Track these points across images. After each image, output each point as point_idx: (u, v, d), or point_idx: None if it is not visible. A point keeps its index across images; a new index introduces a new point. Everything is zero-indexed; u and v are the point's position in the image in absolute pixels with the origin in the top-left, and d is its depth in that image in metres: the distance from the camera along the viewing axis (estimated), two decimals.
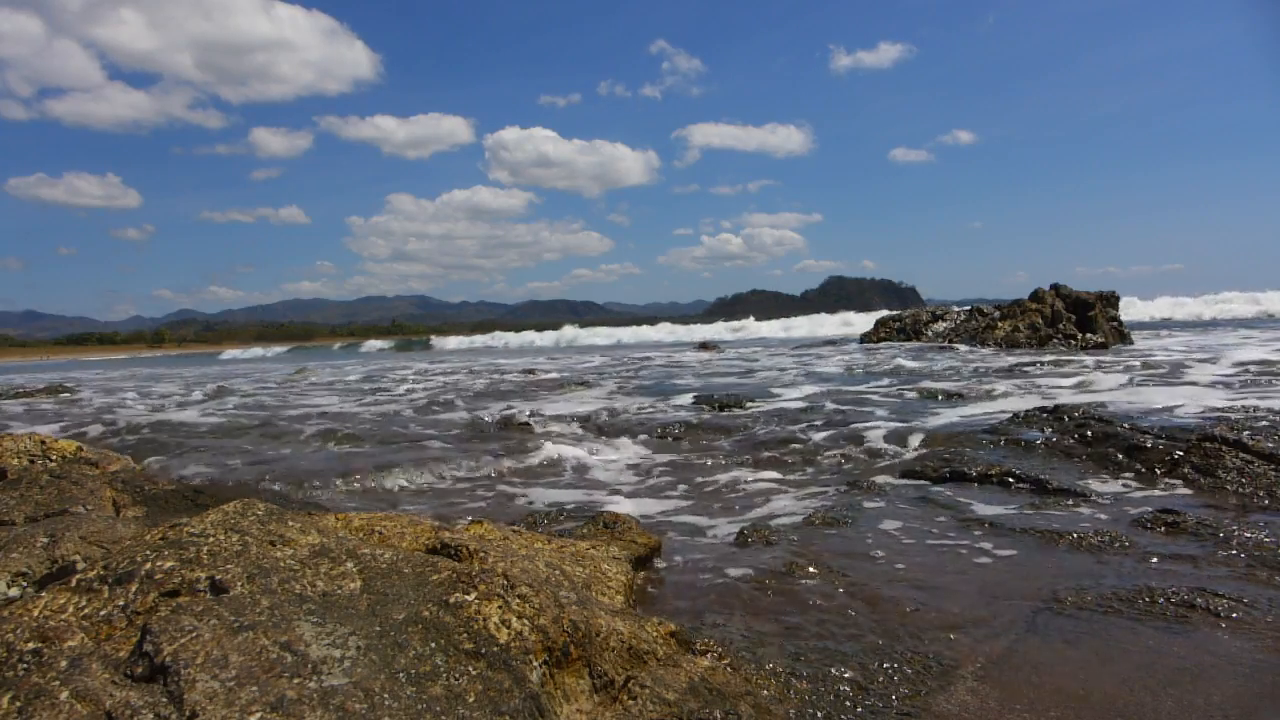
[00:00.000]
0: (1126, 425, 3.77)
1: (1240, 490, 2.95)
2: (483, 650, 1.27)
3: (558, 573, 1.81)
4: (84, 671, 1.10)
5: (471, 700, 1.16)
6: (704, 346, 19.56)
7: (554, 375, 10.55)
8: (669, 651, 1.57)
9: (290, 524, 1.58)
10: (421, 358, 23.23)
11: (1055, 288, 13.76)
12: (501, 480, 3.89)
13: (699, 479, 3.71)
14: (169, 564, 1.34)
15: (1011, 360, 10.26)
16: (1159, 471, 3.27)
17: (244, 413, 7.36)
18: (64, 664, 1.12)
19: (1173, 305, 31.08)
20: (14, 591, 1.68)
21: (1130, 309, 19.98)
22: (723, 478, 3.71)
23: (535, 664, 1.31)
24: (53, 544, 1.85)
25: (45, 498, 2.57)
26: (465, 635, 1.30)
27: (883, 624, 1.88)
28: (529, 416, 5.83)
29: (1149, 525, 2.55)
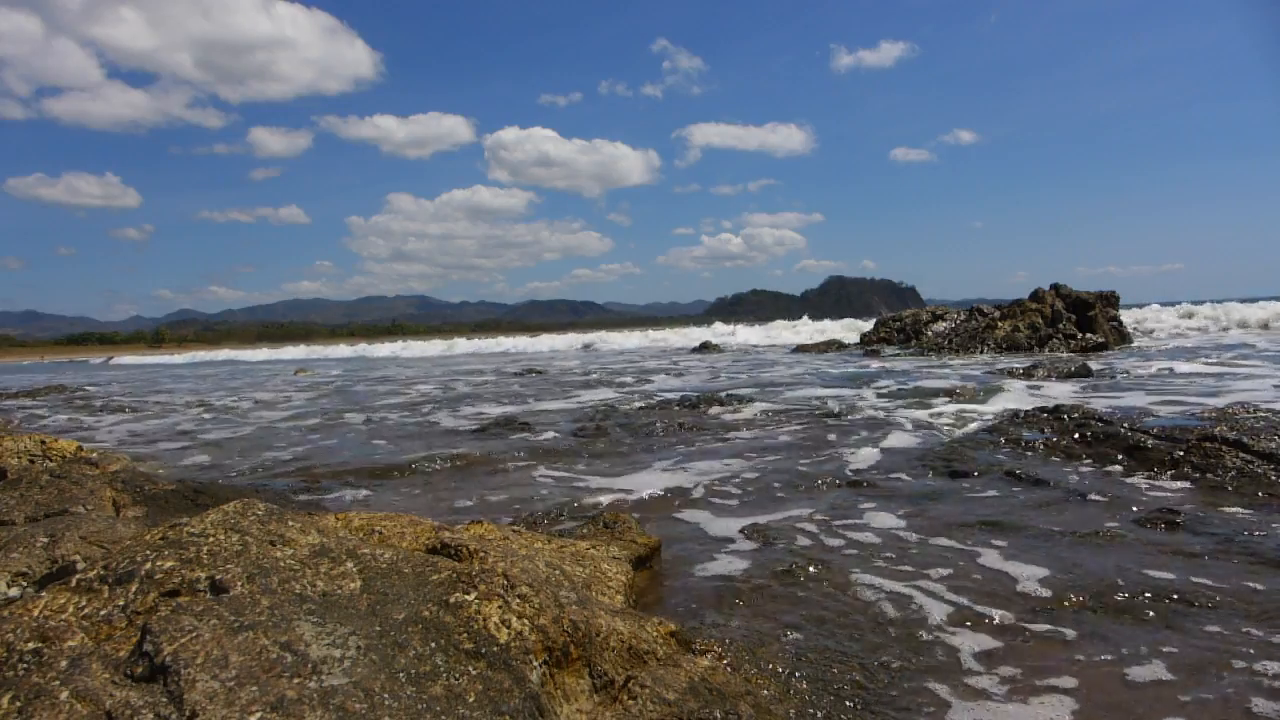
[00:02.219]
0: (1126, 425, 3.77)
1: (1240, 489, 2.95)
2: (483, 650, 1.27)
3: (558, 573, 1.81)
4: (84, 671, 1.10)
5: (471, 700, 1.16)
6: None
7: None
8: (669, 651, 1.57)
9: (290, 524, 1.58)
10: None
11: (1055, 288, 13.75)
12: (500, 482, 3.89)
13: (698, 479, 3.71)
14: (169, 564, 1.34)
15: (1010, 363, 10.27)
16: (1159, 471, 3.27)
17: None
18: (64, 664, 1.12)
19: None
20: (14, 591, 1.68)
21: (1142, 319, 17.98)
22: (721, 478, 3.70)
23: (535, 664, 1.31)
24: (53, 544, 1.85)
25: (45, 498, 2.57)
26: (465, 635, 1.30)
27: (883, 623, 1.88)
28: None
29: (1149, 524, 2.55)
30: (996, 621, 1.88)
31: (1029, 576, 2.16)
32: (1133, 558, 2.27)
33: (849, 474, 3.59)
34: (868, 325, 17.60)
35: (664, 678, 1.46)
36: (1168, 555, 2.28)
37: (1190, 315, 17.86)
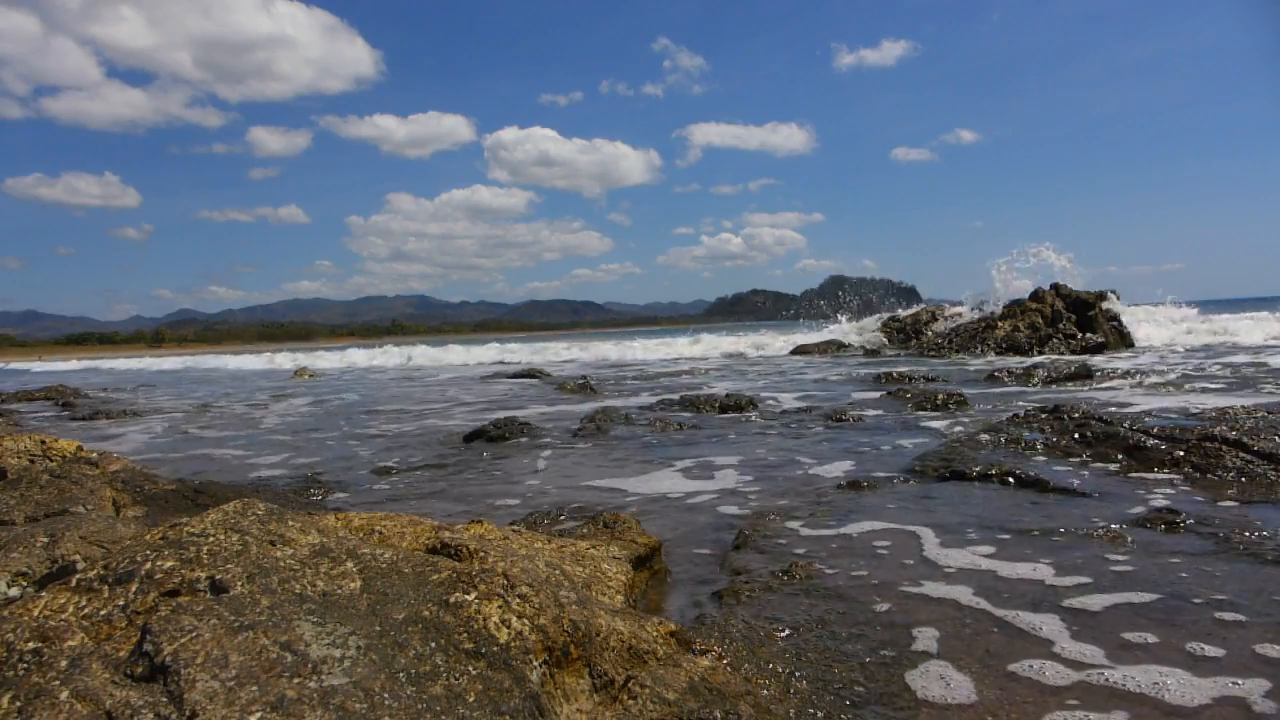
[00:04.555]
0: (1127, 425, 3.77)
1: (1241, 489, 2.95)
2: (483, 650, 1.27)
3: (558, 572, 1.81)
4: (84, 671, 1.10)
5: (471, 700, 1.16)
6: None
7: None
8: (669, 651, 1.57)
9: (290, 524, 1.58)
10: None
11: (1055, 287, 13.76)
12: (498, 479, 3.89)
13: (698, 479, 3.71)
14: (169, 564, 1.34)
15: (1010, 363, 10.27)
16: (1159, 471, 3.27)
17: None
18: (64, 664, 1.12)
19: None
20: (14, 591, 1.68)
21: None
22: (721, 478, 3.71)
23: (535, 664, 1.31)
24: (53, 544, 1.85)
25: (45, 497, 2.57)
26: (465, 635, 1.29)
27: (884, 623, 1.88)
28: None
29: (1149, 524, 2.55)
30: (999, 623, 1.87)
31: (1029, 577, 2.16)
32: (1133, 558, 2.27)
33: (848, 474, 3.59)
34: (829, 333, 16.80)
35: (664, 678, 1.46)
36: (1168, 555, 2.27)
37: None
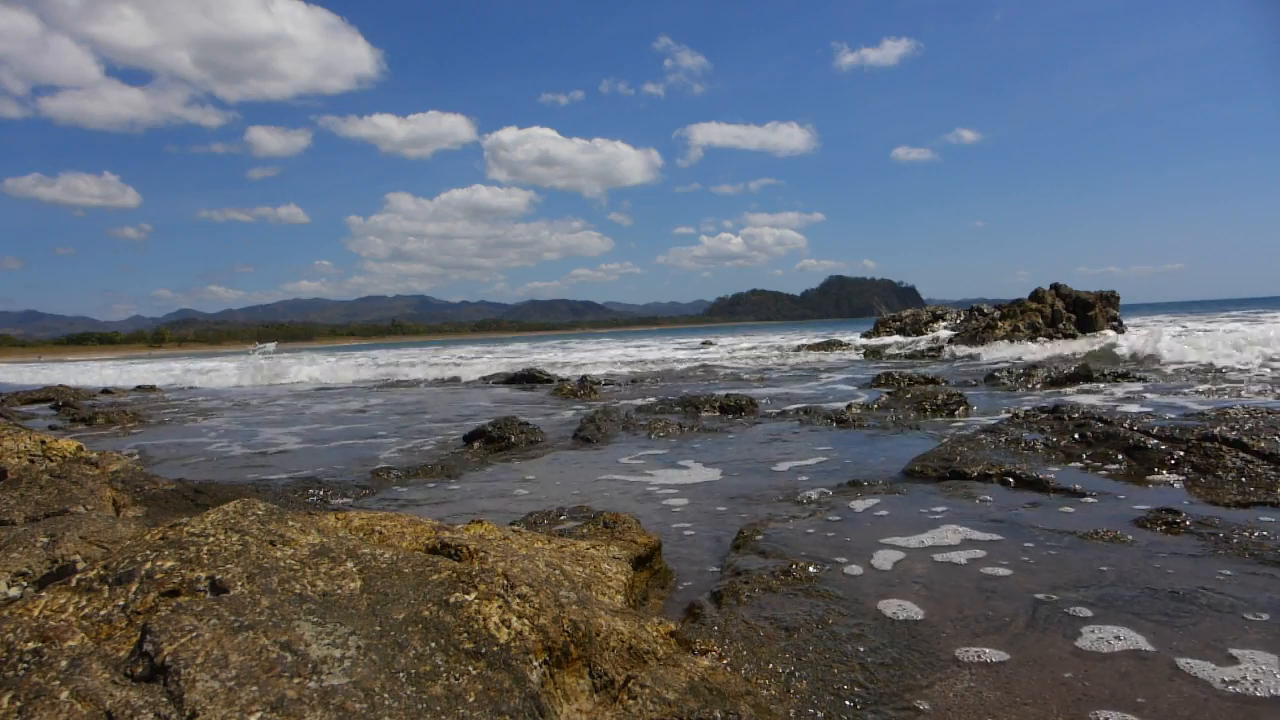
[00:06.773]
0: (1126, 425, 3.77)
1: (1240, 489, 2.95)
2: (483, 650, 1.27)
3: (558, 572, 1.81)
4: (84, 671, 1.10)
5: (471, 700, 1.16)
6: None
7: None
8: (669, 651, 1.57)
9: (290, 523, 1.58)
10: None
11: (1055, 287, 13.77)
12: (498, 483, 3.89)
13: (697, 478, 3.71)
14: (169, 564, 1.34)
15: (1011, 364, 10.26)
16: (1159, 471, 3.27)
17: None
18: (64, 664, 1.12)
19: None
20: (14, 591, 1.68)
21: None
22: (721, 477, 3.70)
23: (535, 664, 1.31)
24: (53, 544, 1.85)
25: (45, 497, 2.57)
26: (465, 635, 1.29)
27: (883, 622, 1.88)
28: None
29: (1149, 524, 2.55)
30: (998, 623, 1.87)
31: (1030, 578, 2.16)
32: (1133, 558, 2.27)
33: (848, 474, 3.58)
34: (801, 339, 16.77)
35: (664, 678, 1.45)
36: (1168, 556, 2.27)
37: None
